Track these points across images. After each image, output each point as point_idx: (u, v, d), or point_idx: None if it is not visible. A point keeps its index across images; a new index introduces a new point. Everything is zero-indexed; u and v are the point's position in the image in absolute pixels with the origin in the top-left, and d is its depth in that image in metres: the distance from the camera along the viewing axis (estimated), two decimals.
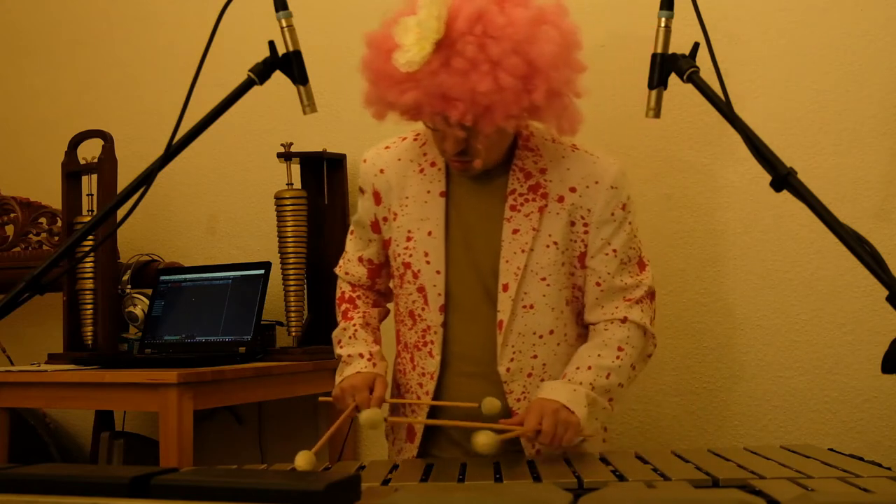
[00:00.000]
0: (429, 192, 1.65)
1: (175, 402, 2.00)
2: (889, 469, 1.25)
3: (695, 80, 1.42)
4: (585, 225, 1.62)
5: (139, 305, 2.55)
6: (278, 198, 2.45)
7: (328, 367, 2.35)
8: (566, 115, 1.55)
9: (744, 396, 2.20)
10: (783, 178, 1.29)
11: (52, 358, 2.58)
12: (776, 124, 2.16)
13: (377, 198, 1.71)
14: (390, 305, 1.85)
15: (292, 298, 2.44)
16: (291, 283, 2.43)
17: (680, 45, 1.47)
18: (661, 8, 1.49)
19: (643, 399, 2.27)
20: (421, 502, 0.88)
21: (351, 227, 1.82)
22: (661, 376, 2.27)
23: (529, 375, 1.63)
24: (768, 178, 1.32)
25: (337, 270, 1.84)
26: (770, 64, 2.20)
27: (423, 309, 1.65)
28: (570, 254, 1.63)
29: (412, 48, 1.41)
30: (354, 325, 1.73)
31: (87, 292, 2.61)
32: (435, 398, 1.65)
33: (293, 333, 2.45)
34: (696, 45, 1.46)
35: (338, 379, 1.69)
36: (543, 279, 1.61)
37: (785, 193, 1.31)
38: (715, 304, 2.23)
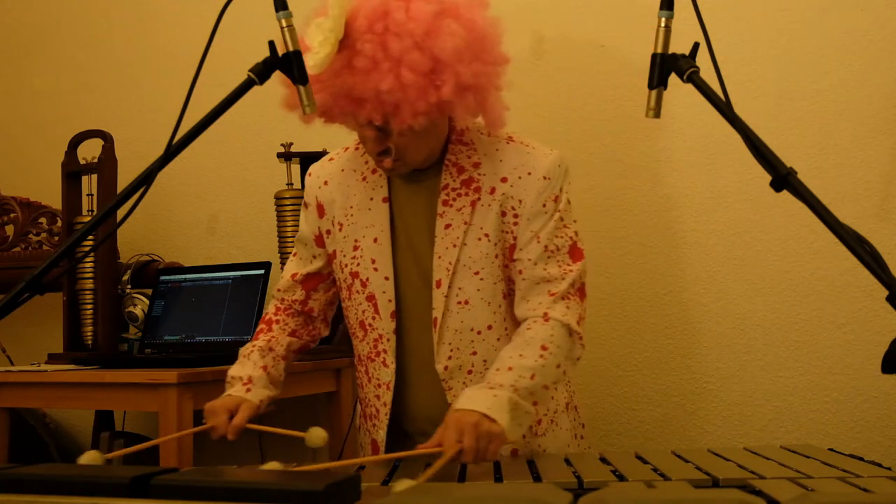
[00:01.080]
0: (371, 198, 1.63)
1: (175, 402, 2.00)
2: (889, 469, 1.25)
3: (695, 80, 1.42)
4: (516, 216, 1.56)
5: (139, 305, 2.55)
6: (278, 198, 2.45)
7: (328, 367, 2.36)
8: (486, 108, 1.52)
9: (744, 396, 2.20)
10: (783, 178, 1.29)
11: (52, 358, 2.58)
12: (776, 124, 2.16)
13: (321, 210, 1.68)
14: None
15: None
16: None
17: (680, 45, 1.47)
18: (661, 8, 1.49)
19: (643, 399, 2.27)
20: (421, 502, 0.88)
21: (293, 250, 1.79)
22: (661, 376, 2.27)
23: (470, 373, 1.59)
24: (768, 178, 1.32)
25: (275, 290, 1.79)
26: (770, 64, 2.20)
27: (373, 318, 1.62)
28: (502, 245, 1.57)
29: (321, 49, 1.40)
30: (255, 346, 1.68)
31: (87, 292, 2.61)
32: (394, 408, 1.63)
33: None
34: (696, 45, 1.45)
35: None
36: (476, 273, 1.56)
37: (785, 193, 1.31)
38: (715, 304, 2.23)
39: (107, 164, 2.55)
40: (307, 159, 2.50)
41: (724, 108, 1.37)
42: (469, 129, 1.63)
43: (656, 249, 2.29)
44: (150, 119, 2.89)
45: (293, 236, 2.41)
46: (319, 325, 1.79)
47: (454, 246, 1.56)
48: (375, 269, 1.60)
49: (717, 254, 2.24)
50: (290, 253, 2.39)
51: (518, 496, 0.89)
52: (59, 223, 2.78)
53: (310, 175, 1.72)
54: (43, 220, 2.85)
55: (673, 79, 1.48)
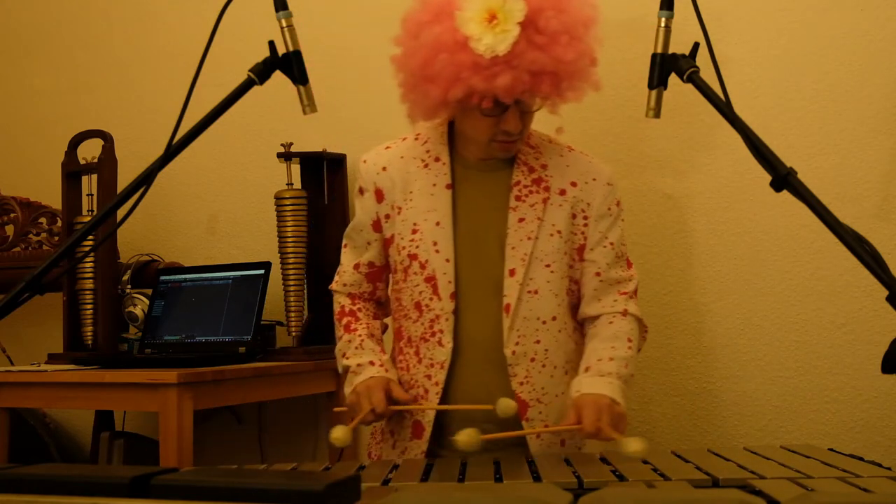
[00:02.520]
0: (434, 185, 1.69)
1: (175, 402, 2.00)
2: (889, 469, 1.25)
3: (695, 80, 1.42)
4: (585, 218, 1.69)
5: (139, 305, 2.55)
6: (278, 198, 2.45)
7: (328, 367, 2.35)
8: (594, 81, 1.64)
9: (744, 396, 2.20)
10: (783, 178, 1.29)
11: (52, 358, 2.58)
12: (776, 124, 2.16)
13: (379, 195, 1.73)
14: (387, 320, 1.85)
15: (292, 298, 2.44)
16: (291, 283, 2.43)
17: (680, 45, 1.47)
18: (661, 8, 1.49)
19: (643, 399, 2.27)
20: (421, 502, 0.88)
21: (344, 241, 1.83)
22: (661, 376, 2.27)
23: (532, 360, 1.66)
24: (768, 178, 1.32)
25: (333, 286, 1.83)
26: (770, 64, 2.20)
27: (430, 299, 1.66)
28: (571, 245, 1.68)
29: (487, 34, 1.48)
30: (360, 335, 1.74)
31: (87, 292, 2.61)
32: (446, 388, 1.66)
33: (293, 333, 2.45)
34: (696, 45, 1.46)
35: (348, 389, 1.70)
36: (548, 266, 1.66)
37: (785, 193, 1.31)
38: (715, 304, 2.23)
39: (107, 164, 2.55)
40: (307, 159, 2.51)
41: (724, 108, 1.37)
42: (533, 134, 1.74)
43: (656, 249, 2.29)
44: (150, 119, 2.89)
45: (293, 236, 2.42)
46: (387, 307, 1.85)
47: (528, 239, 1.65)
48: (437, 252, 1.66)
49: (718, 254, 2.24)
50: (290, 253, 2.42)
51: (518, 496, 0.89)
52: (59, 223, 2.78)
53: (364, 162, 1.76)
54: (43, 220, 2.85)
55: (673, 79, 1.48)
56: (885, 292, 1.18)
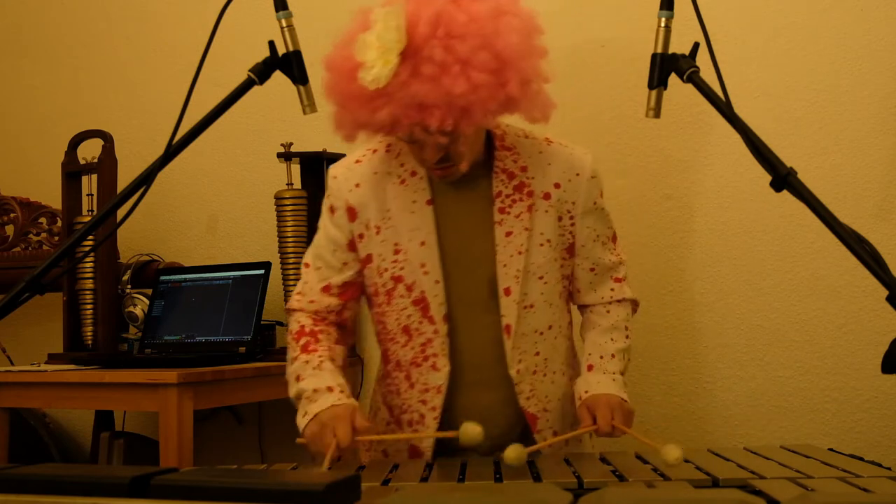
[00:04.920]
0: (414, 201, 1.59)
1: (175, 402, 2.00)
2: (889, 469, 1.25)
3: (695, 80, 1.42)
4: (571, 217, 1.64)
5: (139, 305, 2.55)
6: (278, 198, 2.45)
7: None
8: (538, 102, 1.51)
9: (744, 396, 2.20)
10: (783, 178, 1.29)
11: (52, 358, 2.58)
12: (776, 124, 2.16)
13: (352, 214, 1.62)
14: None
15: None
16: (291, 283, 2.43)
17: (680, 45, 1.47)
18: (661, 8, 1.49)
19: (643, 399, 2.27)
20: (421, 502, 0.88)
21: (306, 261, 1.69)
22: (661, 376, 2.27)
23: (534, 373, 1.63)
24: (768, 178, 1.32)
25: (293, 304, 1.68)
26: (770, 64, 2.20)
27: (420, 322, 1.59)
28: (560, 247, 1.63)
29: (376, 63, 1.37)
30: (320, 356, 1.57)
31: (87, 292, 2.61)
32: (444, 411, 1.60)
33: None
34: (696, 45, 1.46)
35: (302, 420, 1.51)
36: (541, 278, 1.61)
37: (785, 193, 1.31)
38: (715, 304, 2.23)
39: (107, 164, 2.55)
40: (307, 159, 2.51)
41: (724, 108, 1.37)
42: (507, 133, 1.64)
43: (656, 249, 2.29)
44: (150, 119, 2.89)
45: (293, 236, 2.42)
46: (350, 334, 1.72)
47: (519, 253, 1.58)
48: (425, 273, 1.58)
49: (718, 254, 2.24)
50: (290, 253, 2.42)
51: (518, 496, 0.89)
52: (59, 223, 2.78)
53: (335, 178, 1.65)
54: (43, 220, 2.85)
55: (673, 79, 1.48)
56: (885, 292, 1.18)
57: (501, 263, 1.58)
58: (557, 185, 1.61)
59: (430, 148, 1.47)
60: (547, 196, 1.61)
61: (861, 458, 1.36)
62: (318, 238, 1.67)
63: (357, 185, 1.62)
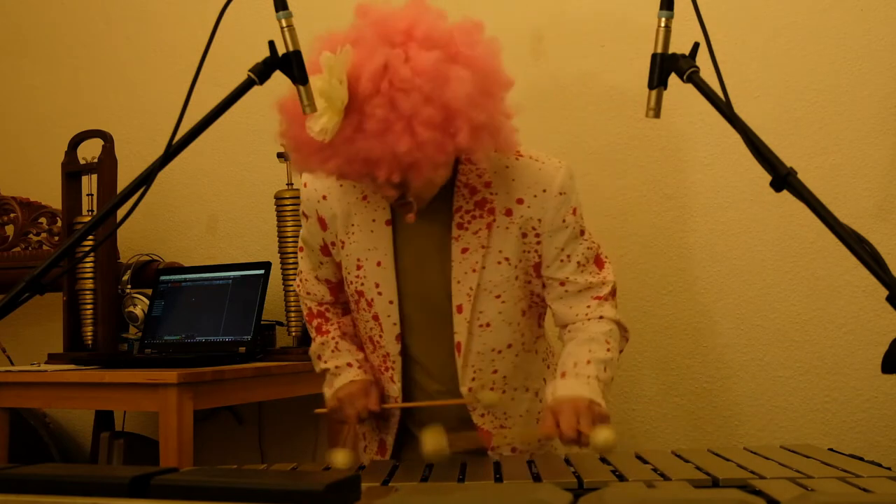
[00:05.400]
0: (374, 220, 1.59)
1: (175, 402, 2.00)
2: (889, 469, 1.25)
3: (695, 80, 1.42)
4: (537, 235, 1.56)
5: (139, 305, 2.55)
6: (278, 198, 2.45)
7: None
8: (500, 138, 1.48)
9: (744, 396, 2.20)
10: (783, 178, 1.29)
11: (52, 358, 2.58)
12: (776, 124, 2.16)
13: (322, 224, 1.64)
14: None
15: (292, 298, 2.44)
16: (291, 283, 2.43)
17: (680, 45, 1.47)
18: (661, 8, 1.49)
19: (643, 399, 2.27)
20: (421, 502, 0.88)
21: (299, 244, 1.75)
22: (661, 376, 2.27)
23: (491, 390, 1.61)
24: (768, 178, 1.32)
25: (297, 288, 1.78)
26: (770, 64, 2.20)
27: (380, 336, 1.62)
28: (525, 265, 1.58)
29: (325, 113, 1.34)
30: (333, 338, 1.70)
31: (87, 292, 2.61)
32: (401, 421, 1.67)
33: (293, 333, 2.45)
34: (696, 45, 1.45)
35: (327, 392, 1.67)
36: (498, 296, 1.57)
37: (785, 193, 1.31)
38: (715, 304, 2.23)
39: (107, 164, 2.55)
40: None
41: (724, 108, 1.37)
42: None
43: (656, 249, 2.29)
44: (150, 119, 2.89)
45: (293, 236, 2.42)
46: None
47: (473, 271, 1.55)
48: (380, 294, 1.59)
49: (718, 254, 2.24)
50: (290, 253, 2.42)
51: (518, 496, 0.89)
52: (59, 223, 2.78)
53: (305, 186, 1.65)
54: (43, 220, 2.85)
55: (673, 79, 1.48)
56: (885, 292, 1.18)
57: (455, 280, 1.56)
58: (520, 201, 1.55)
59: (384, 191, 1.46)
60: (509, 212, 1.55)
61: (861, 458, 1.36)
62: (301, 237, 1.73)
63: (324, 197, 1.62)
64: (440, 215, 1.56)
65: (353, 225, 1.60)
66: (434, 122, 1.35)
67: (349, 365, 1.65)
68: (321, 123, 1.34)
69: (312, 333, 1.74)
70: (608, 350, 1.53)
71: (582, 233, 1.59)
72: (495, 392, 1.58)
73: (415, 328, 1.61)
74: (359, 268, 1.61)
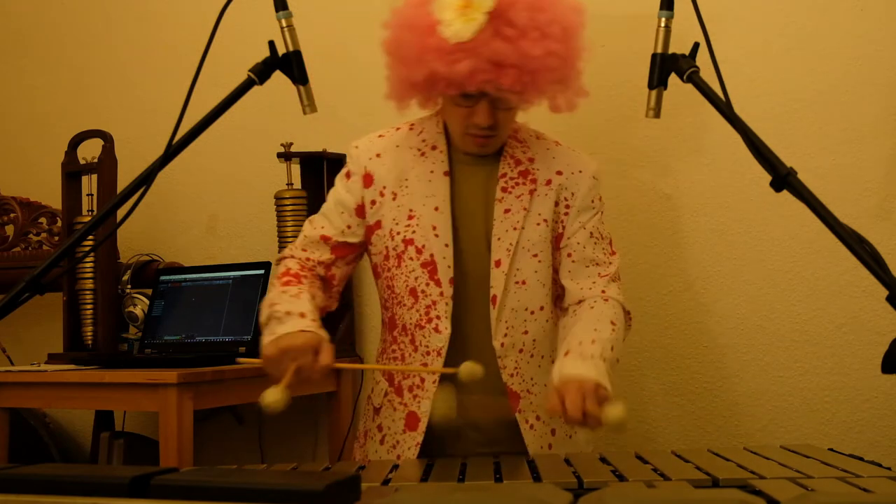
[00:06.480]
0: (432, 171, 1.68)
1: (175, 402, 2.00)
2: (889, 469, 1.25)
3: (695, 80, 1.42)
4: (567, 207, 1.69)
5: (139, 305, 2.55)
6: (278, 198, 2.45)
7: None
8: (576, 87, 1.62)
9: (744, 396, 2.20)
10: (783, 178, 1.29)
11: (52, 358, 2.58)
12: (776, 124, 2.16)
13: (368, 180, 1.70)
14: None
15: None
16: None
17: (680, 45, 1.47)
18: (661, 8, 1.49)
19: (643, 399, 2.27)
20: (421, 502, 0.88)
21: (313, 218, 1.74)
22: (661, 376, 2.27)
23: (521, 351, 1.66)
24: (768, 178, 1.32)
25: (284, 252, 1.73)
26: (770, 64, 2.20)
27: (427, 284, 1.64)
28: (554, 233, 1.69)
29: (457, 20, 1.47)
30: (299, 289, 1.58)
31: (87, 292, 2.61)
32: (441, 376, 1.61)
33: None
34: (696, 45, 1.46)
35: (267, 338, 1.48)
36: (535, 255, 1.66)
37: (785, 193, 1.31)
38: (715, 304, 2.23)
39: (107, 164, 2.55)
40: (307, 159, 2.51)
41: (724, 108, 1.37)
42: (521, 129, 1.75)
43: (656, 249, 2.29)
44: (150, 119, 2.89)
45: (293, 236, 2.41)
46: (334, 296, 1.73)
47: (514, 229, 1.65)
48: (436, 236, 1.64)
49: (717, 254, 2.24)
50: None
51: (518, 496, 0.89)
52: (59, 223, 2.78)
53: (357, 147, 1.73)
54: (43, 220, 2.85)
55: (673, 78, 1.48)
56: (885, 292, 1.18)
57: (496, 237, 1.65)
58: (560, 173, 1.69)
59: (482, 112, 1.57)
60: (548, 182, 1.68)
61: (861, 458, 1.36)
62: (327, 203, 1.74)
63: (378, 155, 1.71)
64: (489, 179, 1.68)
65: (407, 179, 1.68)
66: (559, 40, 1.52)
67: (302, 315, 1.50)
68: (455, 27, 1.47)
69: (277, 288, 1.60)
70: (613, 330, 1.59)
71: (602, 218, 1.73)
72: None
73: (463, 277, 1.65)
74: (410, 217, 1.66)
